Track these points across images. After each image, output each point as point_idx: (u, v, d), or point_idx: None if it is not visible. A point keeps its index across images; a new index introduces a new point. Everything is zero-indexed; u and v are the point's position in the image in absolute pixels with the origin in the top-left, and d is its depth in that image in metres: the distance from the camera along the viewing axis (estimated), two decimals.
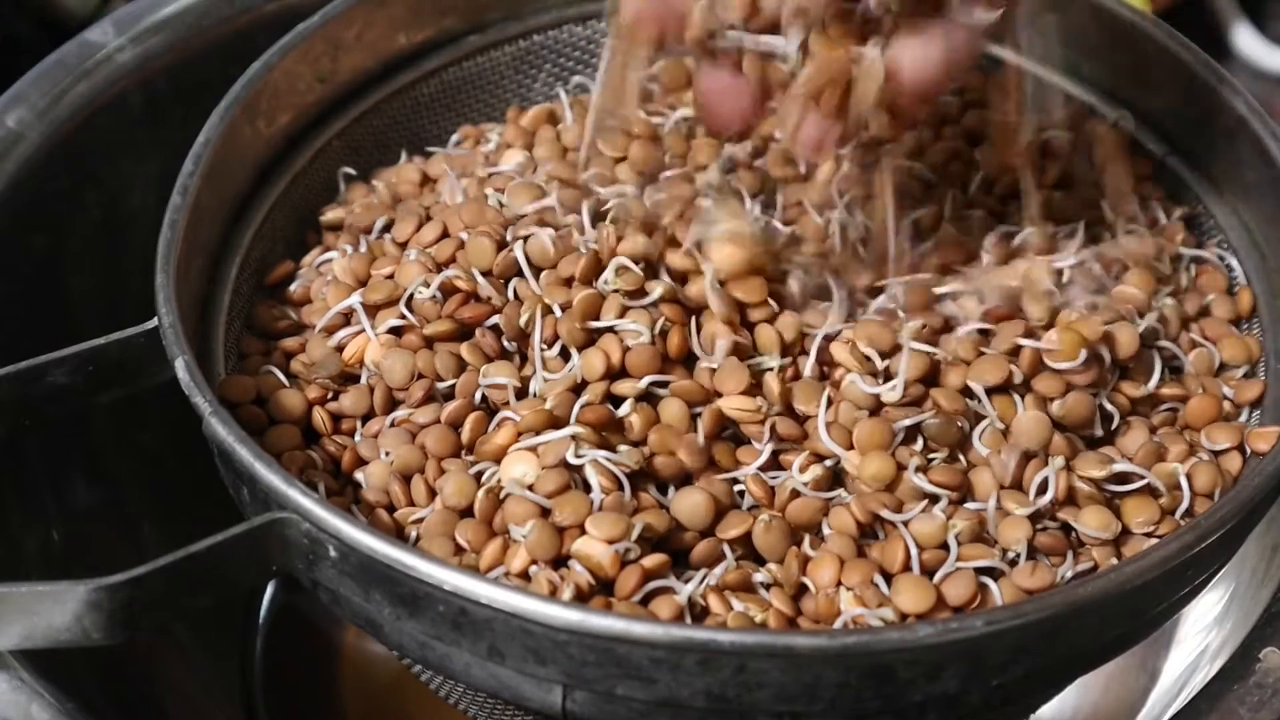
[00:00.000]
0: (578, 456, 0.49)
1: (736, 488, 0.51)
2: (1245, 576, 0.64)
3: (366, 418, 0.54)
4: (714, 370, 0.52)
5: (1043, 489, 0.51)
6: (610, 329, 0.52)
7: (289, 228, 0.61)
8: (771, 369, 0.52)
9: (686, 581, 0.49)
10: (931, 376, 0.53)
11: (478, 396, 0.53)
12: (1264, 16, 0.99)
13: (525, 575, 0.49)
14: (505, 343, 0.53)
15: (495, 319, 0.54)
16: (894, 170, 0.56)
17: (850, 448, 0.51)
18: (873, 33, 0.49)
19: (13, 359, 0.52)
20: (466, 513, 0.50)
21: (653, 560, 0.48)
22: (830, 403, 0.52)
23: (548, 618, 0.45)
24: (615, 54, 0.55)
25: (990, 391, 0.52)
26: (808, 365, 0.53)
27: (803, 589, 0.50)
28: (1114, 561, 0.51)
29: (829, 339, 0.53)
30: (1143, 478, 0.52)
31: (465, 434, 0.52)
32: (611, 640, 0.45)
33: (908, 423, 0.51)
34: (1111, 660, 0.52)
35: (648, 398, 0.52)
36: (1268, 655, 0.52)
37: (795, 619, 0.49)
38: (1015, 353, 0.53)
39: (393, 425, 0.53)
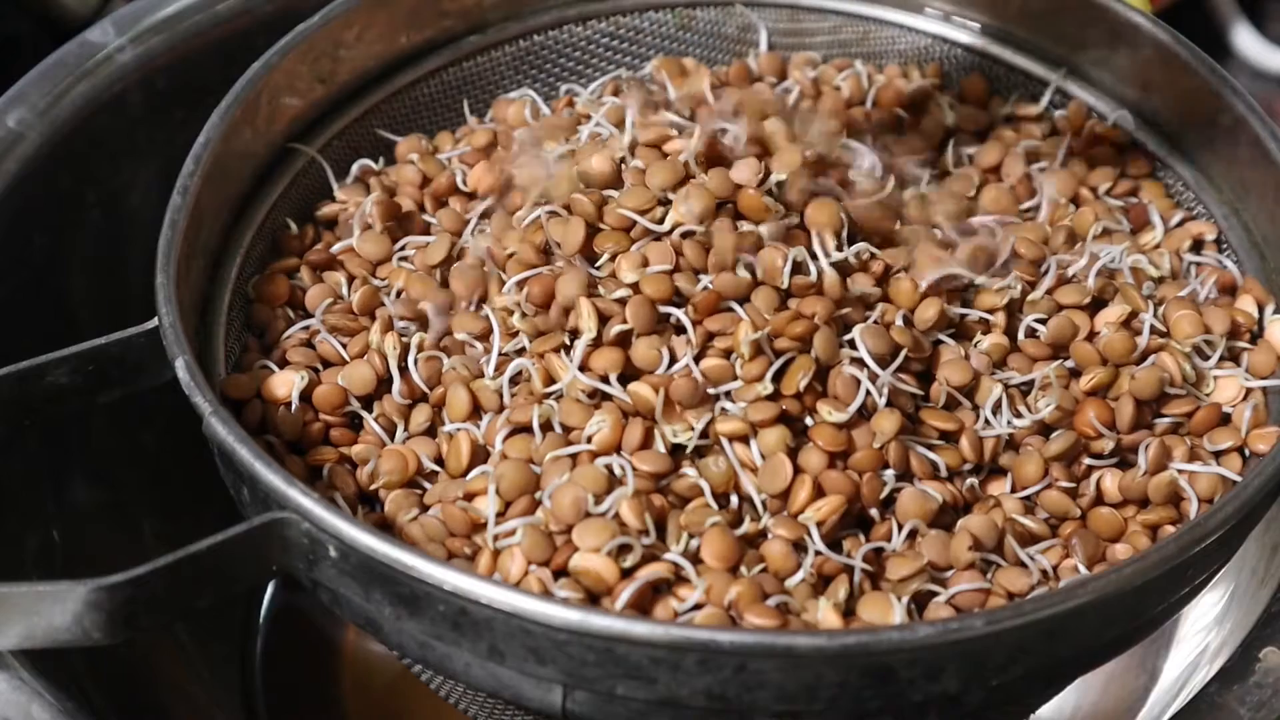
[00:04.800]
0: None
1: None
2: (1245, 576, 0.64)
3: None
4: None
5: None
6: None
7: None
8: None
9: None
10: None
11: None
12: (1264, 16, 0.99)
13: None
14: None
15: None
16: None
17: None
18: None
19: (13, 359, 0.52)
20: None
21: (650, 569, 0.48)
22: None
23: (548, 618, 0.45)
24: None
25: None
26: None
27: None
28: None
29: None
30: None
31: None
32: (611, 640, 0.45)
33: None
34: (1111, 660, 0.52)
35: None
36: (1268, 655, 0.52)
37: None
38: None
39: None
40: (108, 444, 0.67)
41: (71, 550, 0.64)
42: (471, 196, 0.60)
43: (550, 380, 0.53)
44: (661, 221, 0.54)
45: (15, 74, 0.64)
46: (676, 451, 0.51)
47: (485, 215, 0.59)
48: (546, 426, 0.52)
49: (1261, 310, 0.58)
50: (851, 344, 0.52)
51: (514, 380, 0.54)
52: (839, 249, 0.54)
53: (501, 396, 0.54)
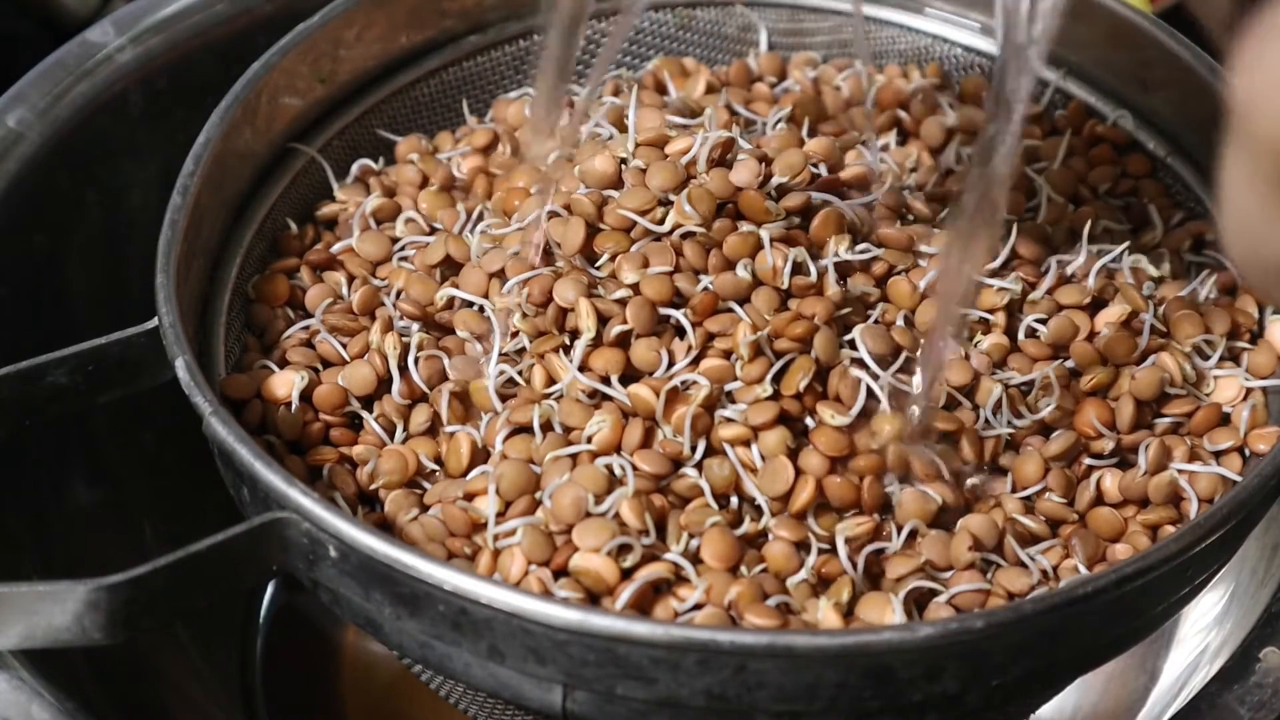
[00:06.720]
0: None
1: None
2: (1245, 576, 0.64)
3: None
4: None
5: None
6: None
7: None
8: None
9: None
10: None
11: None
12: None
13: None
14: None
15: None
16: None
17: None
18: None
19: (13, 359, 0.52)
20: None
21: (650, 569, 0.48)
22: None
23: (548, 618, 0.45)
24: None
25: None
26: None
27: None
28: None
29: None
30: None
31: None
32: (611, 640, 0.45)
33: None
34: (1111, 660, 0.52)
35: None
36: (1268, 655, 0.52)
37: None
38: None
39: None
40: (108, 444, 0.67)
41: (71, 550, 0.64)
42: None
43: (550, 381, 0.53)
44: (662, 222, 0.54)
45: (15, 74, 0.64)
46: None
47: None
48: (547, 426, 0.52)
49: (1261, 310, 0.58)
50: (852, 344, 0.52)
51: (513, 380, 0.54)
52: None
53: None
